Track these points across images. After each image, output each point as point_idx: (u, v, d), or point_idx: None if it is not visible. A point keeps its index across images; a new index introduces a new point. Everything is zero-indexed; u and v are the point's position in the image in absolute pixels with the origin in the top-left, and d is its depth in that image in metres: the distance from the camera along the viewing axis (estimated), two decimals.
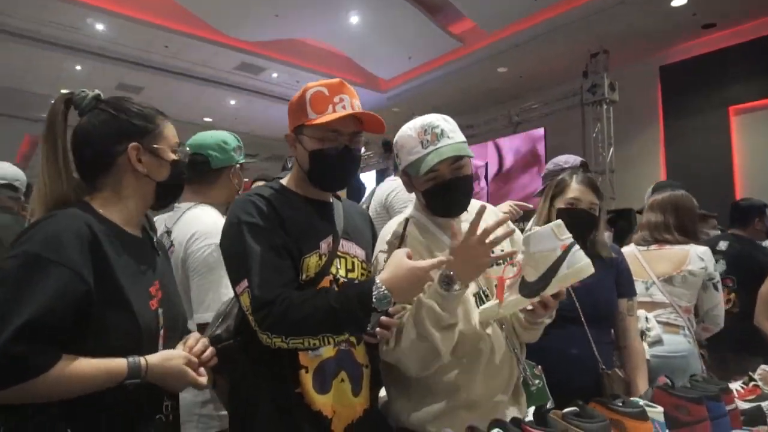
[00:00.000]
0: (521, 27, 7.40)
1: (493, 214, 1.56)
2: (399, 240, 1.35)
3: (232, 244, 1.26)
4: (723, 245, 3.25)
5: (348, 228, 1.42)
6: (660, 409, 1.31)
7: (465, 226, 1.44)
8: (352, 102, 1.32)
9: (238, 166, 1.99)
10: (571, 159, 2.63)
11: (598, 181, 2.01)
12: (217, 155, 1.93)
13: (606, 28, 7.08)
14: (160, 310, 1.14)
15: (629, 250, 2.47)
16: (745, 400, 1.71)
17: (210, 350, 1.19)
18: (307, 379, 1.26)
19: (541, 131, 8.13)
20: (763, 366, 1.94)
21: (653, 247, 2.48)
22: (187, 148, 1.54)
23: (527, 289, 1.27)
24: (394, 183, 2.69)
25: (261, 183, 2.27)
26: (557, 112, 7.92)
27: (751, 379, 1.88)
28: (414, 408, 1.39)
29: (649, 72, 7.97)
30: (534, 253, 1.26)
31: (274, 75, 9.12)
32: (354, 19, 7.59)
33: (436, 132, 1.37)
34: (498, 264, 1.44)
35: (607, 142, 7.30)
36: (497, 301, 1.31)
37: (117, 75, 8.70)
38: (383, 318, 1.23)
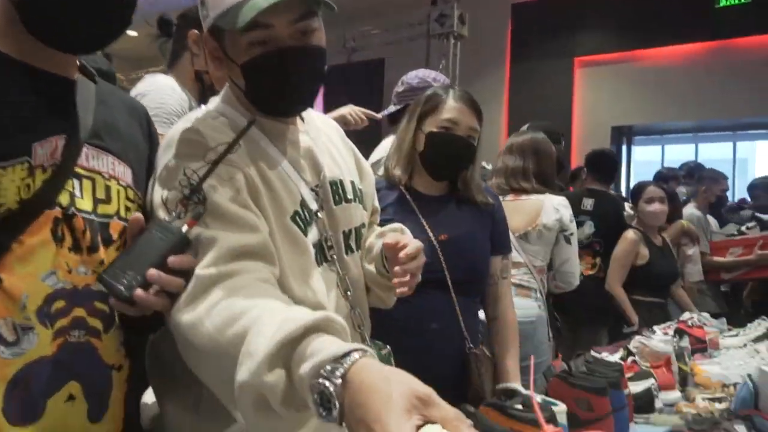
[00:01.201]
0: None
1: (336, 131, 1.28)
2: (227, 148, 0.96)
3: None
4: (589, 204, 3.31)
5: (101, 128, 0.97)
6: (563, 407, 1.11)
7: (305, 140, 1.12)
8: None
9: None
10: (440, 77, 2.38)
11: None
12: None
13: None
14: None
15: None
16: (628, 379, 1.62)
17: None
18: None
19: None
20: (637, 338, 1.91)
21: (509, 197, 2.43)
22: None
23: None
24: (147, 81, 2.08)
25: None
26: (399, 41, 7.90)
27: (629, 353, 1.82)
28: (205, 426, 1.01)
29: (502, 9, 8.31)
30: None
31: None
32: None
33: None
34: None
35: (451, 80, 7.38)
36: None
37: None
38: (154, 272, 0.85)
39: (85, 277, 0.90)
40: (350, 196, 1.16)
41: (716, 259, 3.93)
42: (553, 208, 2.38)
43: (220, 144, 0.96)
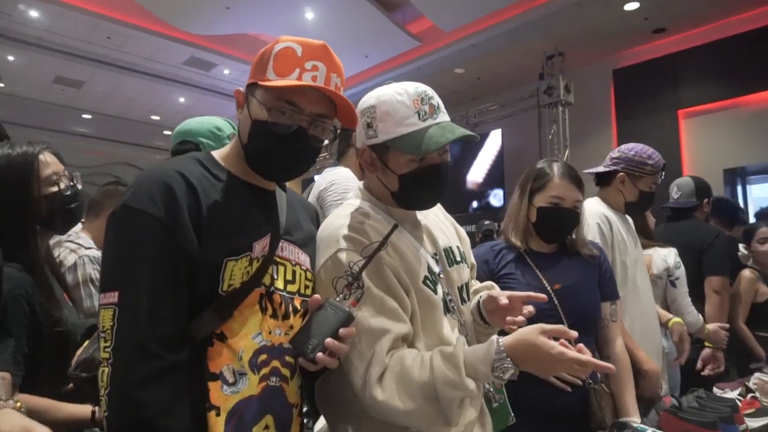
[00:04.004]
0: (479, 27, 7.28)
1: (438, 207, 1.37)
2: (378, 247, 1.07)
3: (118, 233, 0.94)
4: None
5: (290, 226, 1.13)
6: None
7: (420, 218, 1.27)
8: (329, 76, 1.03)
9: None
10: (656, 155, 2.18)
11: None
12: (210, 143, 1.59)
13: (562, 30, 7.08)
14: None
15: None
16: (747, 415, 1.49)
17: None
18: (218, 424, 0.94)
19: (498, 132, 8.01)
20: (757, 374, 1.74)
21: None
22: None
23: None
24: (333, 172, 2.29)
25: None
26: (514, 114, 7.94)
27: (749, 390, 1.67)
28: None
29: (603, 75, 7.98)
30: None
31: (226, 71, 8.68)
32: (309, 15, 7.29)
33: (434, 104, 1.14)
34: None
35: (562, 144, 7.36)
36: None
37: (55, 67, 8.14)
38: (330, 341, 0.95)
39: (280, 338, 1.03)
40: (459, 258, 1.28)
41: None
42: (661, 259, 2.36)
43: (373, 242, 1.08)
